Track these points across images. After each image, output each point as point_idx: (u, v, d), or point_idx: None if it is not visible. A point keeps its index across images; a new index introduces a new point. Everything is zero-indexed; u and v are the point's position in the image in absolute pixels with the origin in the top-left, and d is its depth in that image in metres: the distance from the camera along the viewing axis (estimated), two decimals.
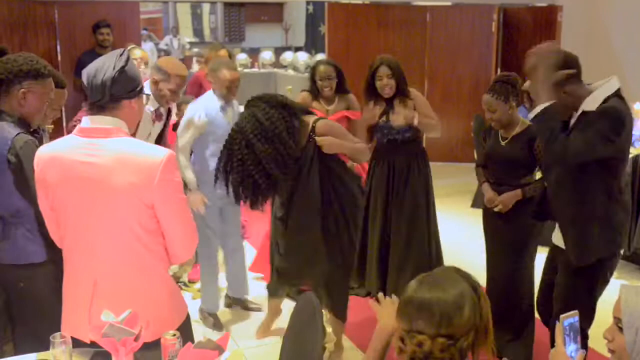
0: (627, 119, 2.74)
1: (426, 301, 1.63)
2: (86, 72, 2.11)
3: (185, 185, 4.19)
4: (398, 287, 4.33)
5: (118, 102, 2.11)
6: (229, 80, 3.96)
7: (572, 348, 1.79)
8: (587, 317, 2.94)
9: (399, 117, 4.17)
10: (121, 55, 2.12)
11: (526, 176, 3.57)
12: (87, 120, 2.13)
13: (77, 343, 2.10)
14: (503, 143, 3.60)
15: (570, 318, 1.80)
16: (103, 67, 2.09)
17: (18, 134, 2.46)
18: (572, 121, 2.89)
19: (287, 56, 13.73)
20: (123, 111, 2.13)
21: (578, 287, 2.97)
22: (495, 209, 3.58)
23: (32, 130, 2.59)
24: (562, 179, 2.93)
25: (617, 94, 2.81)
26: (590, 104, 2.80)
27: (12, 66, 2.47)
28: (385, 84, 4.23)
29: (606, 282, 3.00)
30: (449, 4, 8.11)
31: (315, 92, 4.59)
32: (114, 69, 2.07)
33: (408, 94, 4.25)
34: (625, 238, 3.17)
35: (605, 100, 2.77)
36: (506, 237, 3.61)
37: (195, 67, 13.99)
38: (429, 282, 1.68)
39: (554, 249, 3.18)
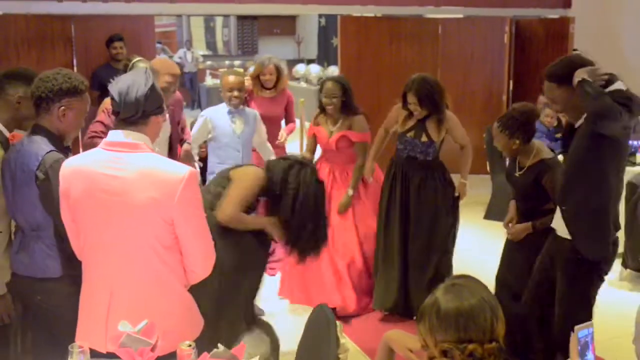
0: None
1: (475, 308, 1.64)
2: (117, 89, 2.16)
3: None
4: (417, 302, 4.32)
5: (148, 118, 2.17)
6: (230, 83, 4.17)
7: (586, 359, 1.79)
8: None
9: (430, 133, 4.24)
10: (146, 72, 2.19)
11: (539, 207, 3.47)
12: (113, 134, 2.18)
13: (92, 353, 2.11)
14: (517, 173, 3.56)
15: (585, 329, 1.80)
16: (134, 84, 2.14)
17: (50, 151, 2.48)
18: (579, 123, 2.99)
19: (300, 69, 13.81)
20: (150, 126, 2.19)
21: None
22: (509, 237, 3.62)
23: (65, 146, 2.61)
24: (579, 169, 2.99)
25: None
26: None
27: (52, 85, 2.49)
28: (413, 110, 4.25)
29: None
30: (460, 16, 8.14)
31: (322, 108, 4.60)
32: (145, 85, 2.14)
33: (441, 119, 4.23)
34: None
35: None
36: (520, 261, 3.60)
37: (209, 80, 14.17)
38: (464, 290, 1.68)
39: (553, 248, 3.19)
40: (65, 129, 2.57)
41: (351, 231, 4.59)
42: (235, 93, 4.15)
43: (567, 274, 3.08)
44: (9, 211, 2.63)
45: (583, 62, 2.95)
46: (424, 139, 4.26)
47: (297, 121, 6.02)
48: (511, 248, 3.70)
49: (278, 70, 5.19)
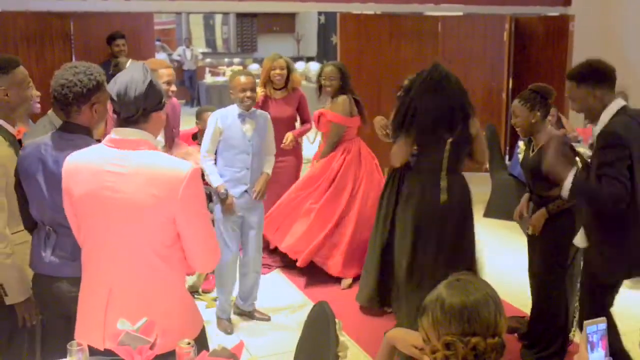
0: (621, 133, 2.97)
1: (480, 302, 1.64)
2: (116, 90, 2.13)
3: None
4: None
5: (149, 116, 2.16)
6: (242, 84, 4.02)
7: (595, 355, 1.77)
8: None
9: None
10: (143, 67, 2.16)
11: (552, 188, 3.49)
12: (116, 132, 2.17)
13: (90, 351, 2.11)
14: (531, 154, 3.64)
15: (594, 325, 1.79)
16: (132, 82, 2.11)
17: None
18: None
19: (299, 66, 13.81)
20: (151, 123, 2.17)
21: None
22: (529, 232, 3.69)
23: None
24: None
25: (622, 112, 3.05)
26: (600, 126, 3.07)
27: (79, 89, 2.44)
28: None
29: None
30: (460, 13, 8.12)
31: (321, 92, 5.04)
32: (144, 83, 2.11)
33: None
34: None
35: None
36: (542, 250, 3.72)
37: (209, 78, 14.16)
38: (469, 285, 1.69)
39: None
40: (97, 122, 2.55)
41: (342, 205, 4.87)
42: (249, 94, 4.01)
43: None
44: (42, 210, 2.53)
45: (604, 66, 3.11)
46: None
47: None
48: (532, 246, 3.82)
49: (288, 66, 5.17)
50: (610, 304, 3.26)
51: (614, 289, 3.26)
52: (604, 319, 1.81)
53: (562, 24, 7.80)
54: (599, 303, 3.19)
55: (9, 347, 2.77)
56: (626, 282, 4.88)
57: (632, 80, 6.83)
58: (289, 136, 5.07)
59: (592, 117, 3.13)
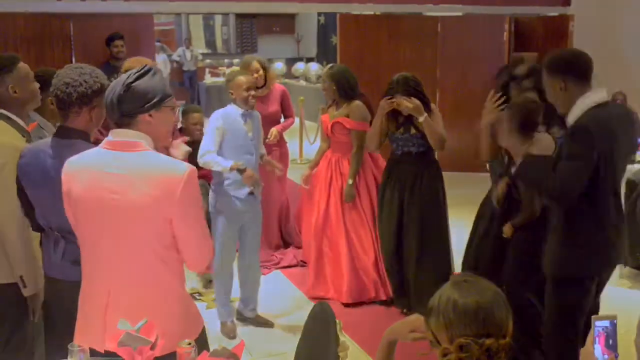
0: (592, 130, 2.77)
1: (493, 302, 1.64)
2: (105, 92, 2.16)
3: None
4: (419, 296, 4.35)
5: (133, 118, 2.13)
6: (246, 83, 4.00)
7: (599, 349, 1.78)
8: None
9: (418, 125, 4.23)
10: (137, 71, 2.14)
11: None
12: (111, 134, 2.17)
13: (91, 352, 2.10)
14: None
15: (601, 320, 1.79)
16: (114, 86, 2.13)
17: None
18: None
19: (299, 67, 13.83)
20: (141, 125, 2.15)
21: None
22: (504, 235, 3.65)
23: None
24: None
25: (601, 107, 2.86)
26: (573, 115, 2.88)
27: (84, 89, 2.43)
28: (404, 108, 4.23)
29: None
30: (460, 14, 8.13)
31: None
32: (122, 85, 2.11)
33: (428, 111, 4.24)
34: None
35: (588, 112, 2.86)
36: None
37: (208, 78, 14.17)
38: (479, 286, 1.68)
39: None
40: (95, 126, 2.55)
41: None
42: (252, 92, 3.99)
43: None
44: (49, 218, 2.53)
45: (577, 57, 2.98)
46: (413, 131, 4.29)
47: (297, 119, 5.95)
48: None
49: (263, 66, 5.19)
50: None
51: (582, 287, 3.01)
52: (614, 315, 1.81)
53: (561, 24, 7.81)
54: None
55: (5, 348, 2.77)
56: (625, 282, 4.92)
57: (631, 80, 6.83)
58: (272, 132, 5.16)
59: (561, 109, 2.96)
